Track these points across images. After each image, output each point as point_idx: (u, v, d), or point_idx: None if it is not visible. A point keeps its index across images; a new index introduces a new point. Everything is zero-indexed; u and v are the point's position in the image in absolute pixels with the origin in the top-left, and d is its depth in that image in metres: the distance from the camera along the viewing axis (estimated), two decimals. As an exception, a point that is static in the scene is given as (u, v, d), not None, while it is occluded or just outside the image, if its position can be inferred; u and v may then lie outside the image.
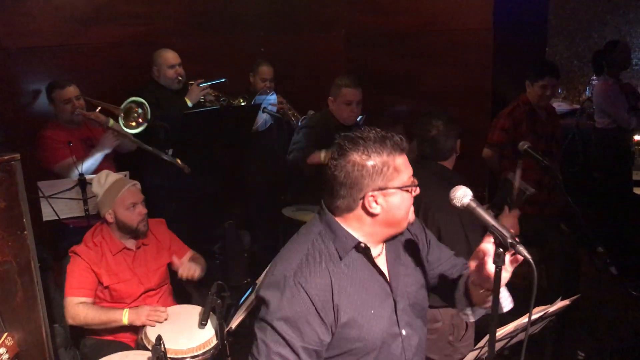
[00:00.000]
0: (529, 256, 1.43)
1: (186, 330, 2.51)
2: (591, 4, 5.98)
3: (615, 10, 5.87)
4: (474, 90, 4.19)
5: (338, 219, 1.61)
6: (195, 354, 2.40)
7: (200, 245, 3.66)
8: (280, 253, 1.65)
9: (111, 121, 3.56)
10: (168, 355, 2.19)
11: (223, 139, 3.79)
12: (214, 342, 2.44)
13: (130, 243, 2.79)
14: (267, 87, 4.39)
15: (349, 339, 1.58)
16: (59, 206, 3.20)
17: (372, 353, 1.62)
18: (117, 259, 2.73)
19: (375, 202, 1.56)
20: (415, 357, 1.71)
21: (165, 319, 2.57)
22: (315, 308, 1.51)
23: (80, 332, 2.75)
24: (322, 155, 3.49)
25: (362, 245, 1.61)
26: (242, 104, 4.18)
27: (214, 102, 4.07)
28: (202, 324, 2.48)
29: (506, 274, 1.53)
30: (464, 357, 2.36)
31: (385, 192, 1.55)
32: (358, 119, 3.78)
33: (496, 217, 2.26)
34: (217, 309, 2.36)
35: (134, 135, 3.55)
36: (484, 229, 1.51)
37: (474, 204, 1.53)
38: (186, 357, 2.38)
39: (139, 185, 2.84)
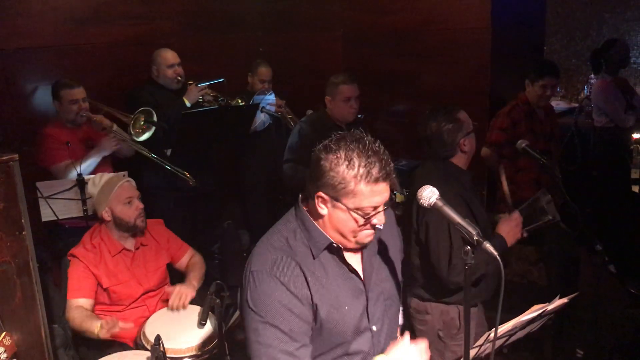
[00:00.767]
0: (495, 253, 1.47)
1: (185, 330, 2.51)
2: (589, 3, 5.99)
3: (614, 8, 5.87)
4: (472, 89, 4.19)
5: (312, 218, 1.65)
6: (195, 353, 2.40)
7: (199, 245, 3.66)
8: (255, 249, 1.67)
9: (114, 125, 3.57)
10: (167, 355, 2.19)
11: (221, 139, 3.79)
12: (213, 341, 2.44)
13: (129, 244, 2.79)
14: (265, 88, 4.39)
15: (330, 334, 1.63)
16: (57, 207, 3.20)
17: (344, 346, 1.67)
18: (116, 260, 2.73)
19: (324, 204, 1.59)
20: (385, 351, 1.74)
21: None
22: (295, 296, 1.56)
23: (79, 333, 2.74)
24: None
25: (335, 245, 1.64)
26: (241, 104, 4.18)
27: (212, 102, 4.07)
28: (201, 323, 2.48)
29: None
30: (459, 358, 2.38)
31: (335, 203, 1.57)
32: (359, 116, 3.76)
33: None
34: (216, 309, 2.36)
35: (141, 142, 3.58)
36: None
37: (440, 203, 1.57)
38: (185, 357, 2.39)
39: (133, 182, 2.85)
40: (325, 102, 3.61)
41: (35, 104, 3.95)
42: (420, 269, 2.44)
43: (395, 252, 1.84)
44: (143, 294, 2.76)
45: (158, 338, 2.15)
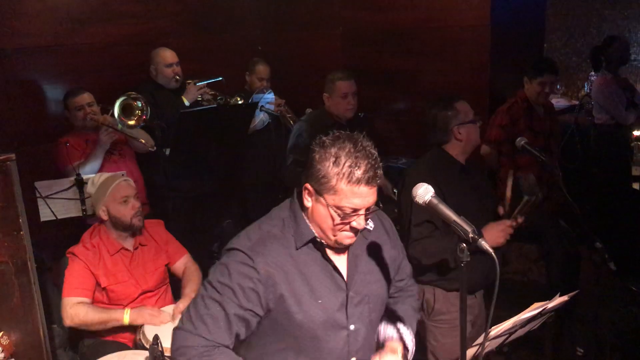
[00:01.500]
0: (490, 250, 1.47)
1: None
2: (589, 0, 5.97)
3: (614, 6, 5.85)
4: (471, 87, 4.18)
5: (303, 213, 1.69)
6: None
7: (199, 244, 3.66)
8: (246, 229, 1.73)
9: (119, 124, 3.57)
10: (165, 354, 2.18)
11: (220, 137, 3.78)
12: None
13: (128, 243, 2.78)
14: (263, 87, 4.38)
15: (291, 323, 1.66)
16: (56, 207, 3.19)
17: (313, 340, 1.69)
18: (115, 260, 2.72)
19: (310, 196, 1.64)
20: (360, 351, 1.77)
21: (162, 323, 2.56)
22: (254, 283, 1.61)
23: (78, 333, 2.74)
24: None
25: (319, 240, 1.68)
26: (240, 102, 4.17)
27: (211, 101, 4.07)
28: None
29: None
30: (440, 342, 2.42)
31: (317, 197, 1.61)
32: (360, 114, 3.76)
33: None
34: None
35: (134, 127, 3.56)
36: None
37: (435, 201, 1.57)
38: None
39: (131, 182, 2.84)
40: (323, 100, 3.61)
41: (34, 104, 3.94)
42: None
43: (388, 260, 1.83)
44: (141, 294, 2.75)
45: (156, 338, 2.14)
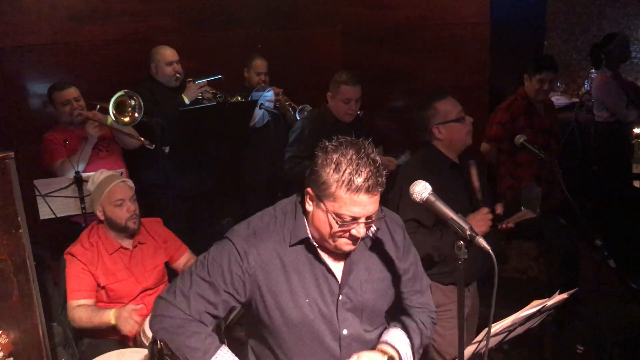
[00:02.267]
0: (488, 247, 1.46)
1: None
2: (589, -3, 5.96)
3: (614, 3, 5.84)
4: (471, 84, 4.18)
5: (304, 213, 1.70)
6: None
7: (198, 243, 3.64)
8: (251, 217, 1.77)
9: (109, 119, 3.56)
10: (165, 352, 2.18)
11: (220, 135, 3.78)
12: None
13: (127, 242, 2.78)
14: (262, 81, 4.37)
15: (272, 318, 1.68)
16: (55, 205, 3.19)
17: (300, 339, 1.70)
18: (114, 259, 2.72)
19: (311, 200, 1.64)
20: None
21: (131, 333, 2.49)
22: (242, 268, 1.66)
23: (79, 331, 2.74)
24: None
25: (311, 242, 1.68)
26: (240, 100, 4.16)
27: (211, 99, 4.07)
28: (200, 321, 2.47)
29: None
30: (443, 335, 2.44)
31: (318, 202, 1.61)
32: (360, 113, 3.75)
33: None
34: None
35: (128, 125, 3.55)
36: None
37: (433, 198, 1.57)
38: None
39: (130, 183, 2.81)
40: (327, 98, 3.61)
41: (33, 102, 3.94)
42: None
43: (391, 273, 1.80)
44: (141, 292, 2.75)
45: (156, 336, 2.14)
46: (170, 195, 3.86)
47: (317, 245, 1.69)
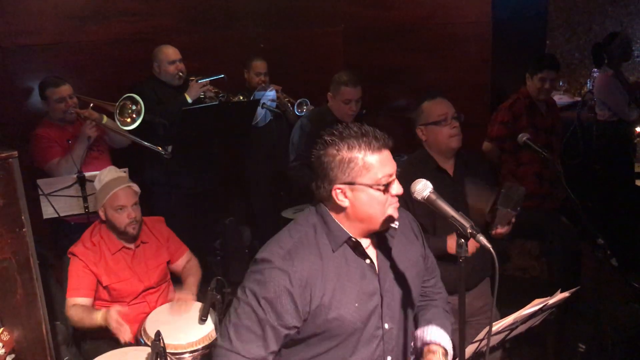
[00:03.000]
0: (489, 245, 1.47)
1: (186, 326, 2.51)
2: (592, -4, 5.96)
3: (616, 2, 5.83)
4: (474, 83, 4.18)
5: (332, 213, 1.67)
6: (195, 348, 2.40)
7: (200, 241, 3.66)
8: (274, 237, 1.70)
9: (105, 118, 3.55)
10: (168, 350, 2.19)
11: (222, 135, 3.78)
12: (214, 336, 2.44)
13: (129, 242, 2.79)
14: (262, 81, 4.38)
15: (328, 326, 1.63)
16: (58, 204, 3.20)
17: (350, 341, 1.67)
18: (116, 258, 2.73)
19: (344, 195, 1.61)
20: (394, 350, 1.76)
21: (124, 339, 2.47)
22: (291, 293, 1.57)
23: (82, 331, 2.75)
24: None
25: (353, 239, 1.66)
26: (242, 99, 4.17)
27: (213, 98, 4.07)
28: (202, 319, 2.49)
29: None
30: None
31: (353, 187, 1.59)
32: (363, 112, 3.75)
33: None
34: (217, 305, 2.36)
35: (129, 131, 3.53)
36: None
37: (434, 197, 1.57)
38: (186, 352, 2.39)
39: (135, 187, 2.78)
40: (327, 97, 3.61)
41: (36, 102, 3.94)
42: None
43: (416, 259, 1.82)
44: (143, 291, 2.76)
45: (158, 334, 2.15)
46: (173, 194, 3.87)
47: (360, 242, 1.68)
